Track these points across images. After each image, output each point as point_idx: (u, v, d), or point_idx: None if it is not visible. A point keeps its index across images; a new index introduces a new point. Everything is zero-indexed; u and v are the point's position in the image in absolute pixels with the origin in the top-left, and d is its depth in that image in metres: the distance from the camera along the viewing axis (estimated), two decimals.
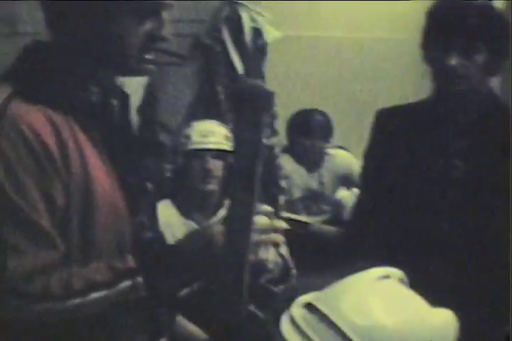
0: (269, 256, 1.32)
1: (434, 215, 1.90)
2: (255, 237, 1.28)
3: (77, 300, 1.26)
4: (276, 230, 1.33)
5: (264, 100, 1.19)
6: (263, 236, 1.30)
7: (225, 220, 1.30)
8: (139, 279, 1.29)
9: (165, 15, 1.38)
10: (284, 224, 1.37)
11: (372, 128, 2.05)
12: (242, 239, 1.24)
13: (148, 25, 1.35)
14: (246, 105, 1.19)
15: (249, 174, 1.22)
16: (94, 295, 1.27)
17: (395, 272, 1.47)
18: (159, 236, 1.57)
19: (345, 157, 3.97)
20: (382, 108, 2.05)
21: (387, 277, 1.44)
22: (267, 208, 1.34)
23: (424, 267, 1.85)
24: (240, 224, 1.24)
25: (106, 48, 1.35)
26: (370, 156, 2.08)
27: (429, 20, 1.90)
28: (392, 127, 2.00)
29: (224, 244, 1.27)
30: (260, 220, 1.31)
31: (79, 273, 1.29)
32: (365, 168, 2.13)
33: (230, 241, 1.25)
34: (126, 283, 1.28)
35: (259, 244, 1.30)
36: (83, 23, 1.34)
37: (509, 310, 1.78)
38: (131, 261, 1.31)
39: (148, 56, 1.38)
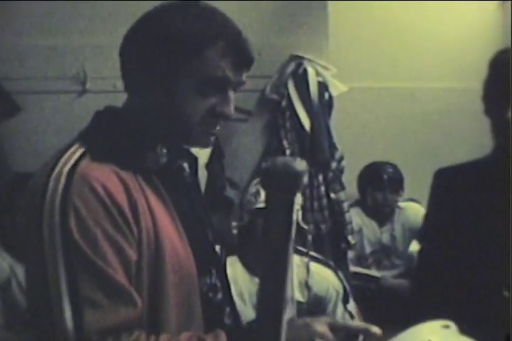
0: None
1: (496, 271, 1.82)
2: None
3: None
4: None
5: (293, 180, 1.16)
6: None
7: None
8: None
9: (231, 93, 1.40)
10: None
11: (432, 188, 2.00)
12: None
13: (212, 101, 1.37)
14: (275, 185, 1.17)
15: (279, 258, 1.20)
16: None
17: (452, 324, 1.47)
18: (229, 300, 1.55)
19: (417, 210, 3.89)
20: (441, 168, 2.00)
21: (447, 327, 1.45)
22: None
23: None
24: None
25: (170, 118, 1.38)
26: (431, 215, 2.03)
27: (491, 70, 1.83)
28: (451, 187, 1.94)
29: None
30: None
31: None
32: (426, 227, 2.08)
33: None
34: None
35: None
36: (152, 92, 1.38)
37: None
38: (222, 339, 1.31)
39: (211, 130, 1.41)
